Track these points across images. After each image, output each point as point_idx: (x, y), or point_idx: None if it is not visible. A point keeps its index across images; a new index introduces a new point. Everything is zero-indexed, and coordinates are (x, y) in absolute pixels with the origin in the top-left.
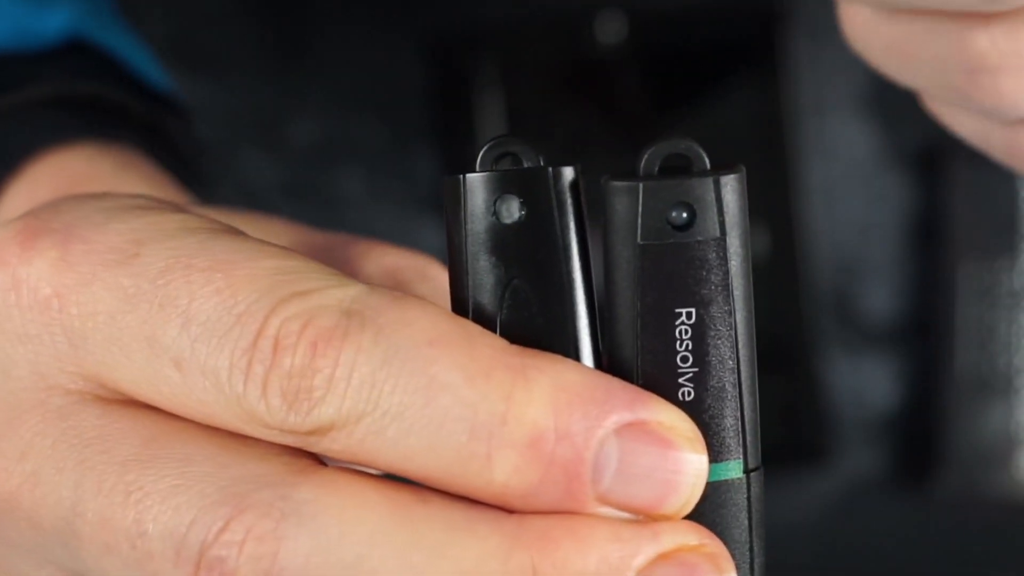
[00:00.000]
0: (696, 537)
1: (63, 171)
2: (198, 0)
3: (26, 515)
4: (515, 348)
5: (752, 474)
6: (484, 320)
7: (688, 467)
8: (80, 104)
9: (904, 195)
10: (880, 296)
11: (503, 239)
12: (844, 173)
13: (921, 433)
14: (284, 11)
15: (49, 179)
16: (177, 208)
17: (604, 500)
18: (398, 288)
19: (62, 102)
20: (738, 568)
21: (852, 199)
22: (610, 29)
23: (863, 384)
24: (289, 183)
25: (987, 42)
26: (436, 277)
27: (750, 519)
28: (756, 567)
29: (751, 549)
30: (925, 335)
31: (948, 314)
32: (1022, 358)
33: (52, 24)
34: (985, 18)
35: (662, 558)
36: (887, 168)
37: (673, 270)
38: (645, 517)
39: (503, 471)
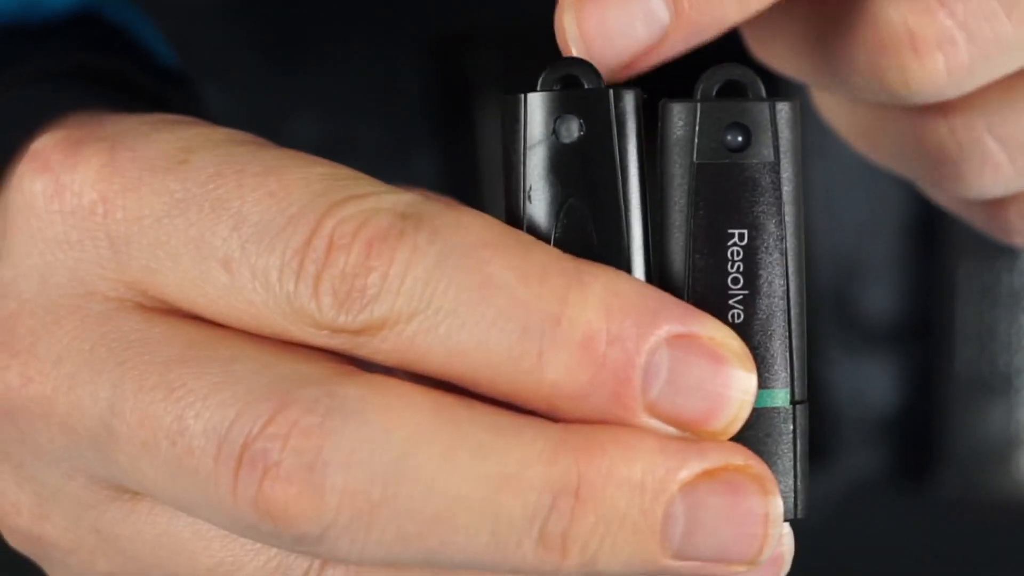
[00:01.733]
0: (742, 458)
1: None
2: (198, 0)
3: (60, 419)
4: (569, 256)
5: (799, 406)
6: (538, 236)
7: (737, 384)
8: (94, 76)
9: (904, 195)
10: (880, 296)
11: (561, 158)
12: (844, 173)
13: (921, 433)
14: (284, 11)
15: None
16: (218, 125)
17: (652, 410)
18: None
19: (77, 73)
20: (782, 500)
21: (852, 199)
22: None
23: (863, 384)
24: None
25: (946, 132)
26: None
27: (795, 451)
28: (800, 502)
29: (796, 482)
30: (925, 335)
31: (948, 314)
32: (1022, 358)
33: None
34: (942, 109)
35: (707, 475)
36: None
37: (727, 190)
38: (691, 434)
39: (554, 371)
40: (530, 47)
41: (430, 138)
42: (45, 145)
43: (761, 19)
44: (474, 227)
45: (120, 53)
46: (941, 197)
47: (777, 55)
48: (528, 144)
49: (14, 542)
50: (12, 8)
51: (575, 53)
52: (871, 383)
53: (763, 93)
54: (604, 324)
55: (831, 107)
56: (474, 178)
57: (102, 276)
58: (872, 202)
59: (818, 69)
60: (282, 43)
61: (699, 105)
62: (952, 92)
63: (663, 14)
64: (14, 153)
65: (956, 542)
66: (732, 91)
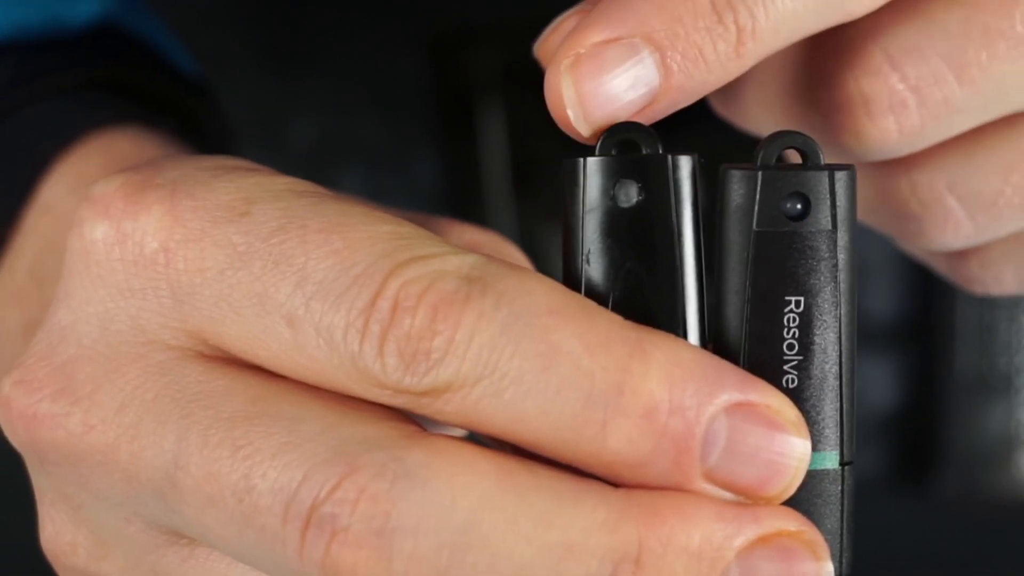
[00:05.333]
0: (796, 524)
1: (111, 151)
2: (198, 0)
3: (122, 467)
4: (631, 324)
5: (847, 467)
6: (596, 299)
7: (793, 451)
8: (118, 88)
9: None
10: (880, 296)
11: (620, 223)
12: None
13: (921, 433)
14: (284, 11)
15: (98, 158)
16: (277, 172)
17: (710, 477)
18: None
19: (101, 86)
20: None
21: None
22: None
23: (863, 384)
24: None
25: (908, 191)
26: (513, 255)
27: (842, 511)
28: (844, 561)
29: (841, 541)
30: (925, 335)
31: (948, 314)
32: (1022, 358)
33: (83, 11)
34: (903, 166)
35: (762, 541)
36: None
37: (785, 258)
38: (746, 499)
39: (616, 439)
40: (530, 47)
41: (430, 138)
42: (105, 190)
43: None
44: (539, 292)
45: (142, 65)
46: (907, 248)
47: (738, 112)
48: (587, 208)
49: None
50: (35, 23)
51: (570, 115)
52: (871, 383)
53: (822, 160)
54: (666, 394)
55: None
56: (474, 178)
57: (163, 325)
58: None
59: (777, 127)
60: (282, 44)
61: (760, 173)
62: (905, 150)
63: (654, 78)
64: (44, 167)
65: (956, 542)
66: (792, 158)
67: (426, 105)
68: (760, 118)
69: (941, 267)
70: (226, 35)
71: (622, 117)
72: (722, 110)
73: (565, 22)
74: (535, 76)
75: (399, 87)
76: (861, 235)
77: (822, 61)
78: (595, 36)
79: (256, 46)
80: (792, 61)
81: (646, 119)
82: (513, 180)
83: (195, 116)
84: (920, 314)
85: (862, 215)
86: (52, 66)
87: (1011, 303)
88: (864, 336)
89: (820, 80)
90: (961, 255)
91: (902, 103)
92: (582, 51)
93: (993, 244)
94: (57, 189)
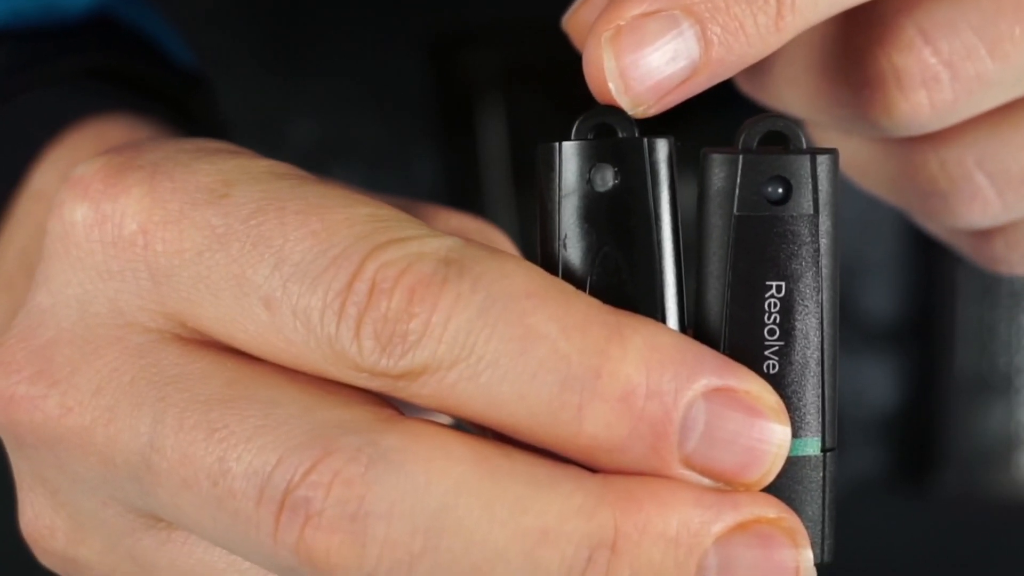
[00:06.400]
0: (775, 511)
1: (103, 140)
2: (198, 0)
3: (98, 450)
4: (609, 308)
5: (829, 454)
6: (573, 284)
7: (772, 437)
8: (112, 77)
9: None
10: (880, 296)
11: (596, 207)
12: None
13: (921, 433)
14: (284, 11)
15: (90, 146)
16: (259, 154)
17: (688, 462)
18: None
19: (95, 75)
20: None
21: (852, 199)
22: None
23: (863, 384)
24: None
25: (936, 167)
26: (499, 241)
27: (824, 498)
28: (826, 548)
29: (823, 528)
30: (925, 335)
31: (948, 314)
32: (1022, 358)
33: (78, 1)
34: (932, 142)
35: (740, 527)
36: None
37: (766, 242)
38: (725, 485)
39: (593, 423)
40: (530, 47)
41: (430, 138)
42: (85, 172)
43: None
44: (517, 276)
45: (137, 54)
46: (930, 226)
47: (765, 89)
48: (563, 192)
49: (49, 564)
50: (30, 10)
51: (611, 88)
52: (871, 383)
53: (804, 144)
54: (643, 378)
55: (824, 138)
56: (474, 178)
57: (141, 307)
58: (872, 202)
59: (806, 103)
60: (283, 44)
61: (741, 157)
62: (936, 126)
63: (694, 51)
64: (37, 154)
65: (956, 542)
66: (772, 140)
67: (426, 105)
68: (788, 95)
69: (964, 247)
70: (226, 35)
71: (663, 90)
72: (748, 87)
73: None
74: (535, 76)
75: (399, 87)
76: (862, 234)
77: (853, 36)
78: (635, 8)
79: (256, 46)
80: (821, 36)
81: (685, 93)
82: (513, 180)
83: (188, 106)
84: (920, 314)
85: (887, 192)
86: (46, 54)
87: (1011, 303)
88: (864, 336)
89: (850, 55)
90: (986, 234)
91: (935, 77)
92: (622, 23)
93: (1020, 223)
94: (49, 176)
